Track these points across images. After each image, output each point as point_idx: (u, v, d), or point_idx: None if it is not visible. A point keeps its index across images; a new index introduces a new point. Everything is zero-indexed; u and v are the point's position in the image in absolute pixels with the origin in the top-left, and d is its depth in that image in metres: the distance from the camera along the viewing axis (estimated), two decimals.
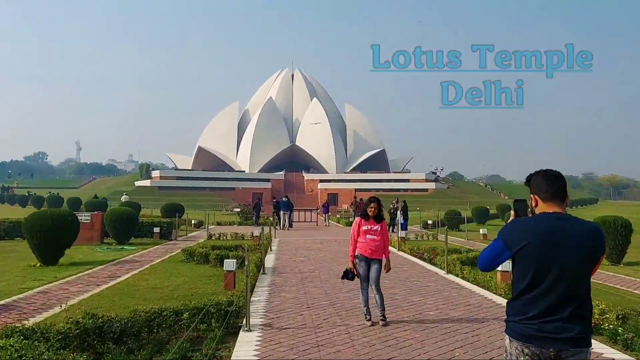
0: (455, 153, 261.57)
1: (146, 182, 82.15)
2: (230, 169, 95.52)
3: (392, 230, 28.17)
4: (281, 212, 29.58)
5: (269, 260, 14.30)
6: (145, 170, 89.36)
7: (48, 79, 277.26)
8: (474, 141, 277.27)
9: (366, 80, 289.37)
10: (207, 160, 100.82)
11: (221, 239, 21.66)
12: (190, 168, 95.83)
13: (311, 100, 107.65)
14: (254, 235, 19.13)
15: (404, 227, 27.95)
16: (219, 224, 32.71)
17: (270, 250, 17.25)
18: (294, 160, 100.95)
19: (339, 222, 36.87)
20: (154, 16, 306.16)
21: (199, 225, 29.81)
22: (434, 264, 13.94)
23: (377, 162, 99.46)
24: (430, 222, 30.31)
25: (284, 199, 30.75)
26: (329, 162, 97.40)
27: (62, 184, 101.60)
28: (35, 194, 57.72)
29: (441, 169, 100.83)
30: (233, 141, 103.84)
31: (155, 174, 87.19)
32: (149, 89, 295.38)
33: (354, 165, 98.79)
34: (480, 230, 23.63)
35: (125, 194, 45.48)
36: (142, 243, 19.71)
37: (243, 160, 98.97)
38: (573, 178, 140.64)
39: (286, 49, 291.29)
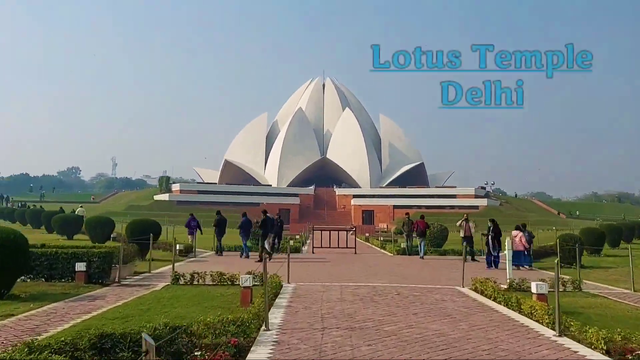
0: (492, 168, 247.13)
1: (164, 196, 73.65)
2: (258, 184, 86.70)
3: (473, 259, 17.87)
4: (270, 236, 20.16)
5: None
6: (165, 183, 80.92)
7: (91, 98, 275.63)
8: (510, 157, 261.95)
9: (400, 90, 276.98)
10: (234, 174, 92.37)
11: (196, 282, 12.08)
12: (217, 182, 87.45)
13: (343, 110, 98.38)
14: (242, 284, 9.37)
15: (497, 261, 17.77)
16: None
17: (266, 328, 7.45)
18: (325, 175, 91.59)
19: (384, 248, 26.80)
20: (179, 31, 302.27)
21: (187, 251, 20.26)
22: None
23: (415, 177, 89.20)
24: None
25: (277, 216, 21.58)
26: (363, 176, 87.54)
27: (82, 198, 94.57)
28: (35, 206, 49.34)
29: (492, 184, 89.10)
30: (261, 154, 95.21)
31: (175, 187, 78.86)
32: (180, 104, 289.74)
33: (390, 180, 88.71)
34: None
35: (81, 206, 35.87)
36: (42, 295, 10.24)
37: (271, 174, 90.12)
38: (630, 196, 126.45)
39: (317, 57, 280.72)
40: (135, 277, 13.44)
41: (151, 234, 15.08)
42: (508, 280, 12.65)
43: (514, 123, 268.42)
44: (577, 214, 78.01)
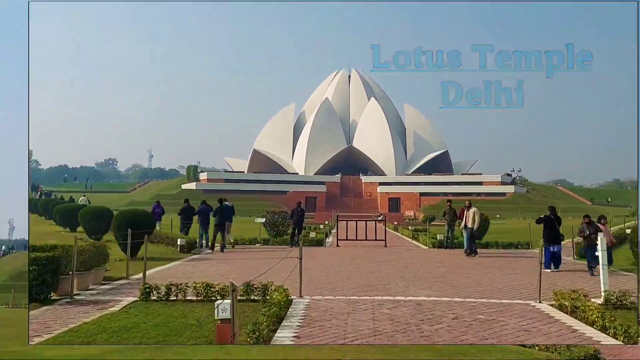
0: (511, 154, 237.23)
1: (192, 185, 70.99)
2: (286, 172, 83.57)
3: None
4: (227, 224, 18.08)
5: None
6: (192, 172, 78.21)
7: (129, 91, 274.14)
8: (522, 143, 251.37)
9: (423, 82, 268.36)
10: (262, 163, 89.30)
11: (173, 297, 8.47)
12: (245, 171, 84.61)
13: (368, 100, 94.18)
14: (217, 315, 5.62)
15: (557, 258, 13.57)
16: (235, 242, 19.56)
17: None
18: (351, 163, 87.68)
19: (417, 239, 22.86)
20: (211, 26, 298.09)
21: (190, 247, 16.75)
22: None
23: (440, 165, 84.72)
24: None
25: (227, 202, 18.95)
26: (388, 164, 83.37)
27: (115, 188, 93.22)
28: (61, 197, 46.58)
29: (519, 170, 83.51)
30: (289, 143, 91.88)
31: (202, 176, 76.15)
32: (213, 97, 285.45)
33: (415, 167, 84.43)
34: None
35: (84, 195, 32.87)
36: None
37: (298, 162, 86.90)
38: None
39: (344, 50, 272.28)
40: (101, 287, 9.87)
41: (129, 230, 11.38)
42: (603, 293, 8.66)
43: (523, 111, 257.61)
44: (609, 200, 72.32)
